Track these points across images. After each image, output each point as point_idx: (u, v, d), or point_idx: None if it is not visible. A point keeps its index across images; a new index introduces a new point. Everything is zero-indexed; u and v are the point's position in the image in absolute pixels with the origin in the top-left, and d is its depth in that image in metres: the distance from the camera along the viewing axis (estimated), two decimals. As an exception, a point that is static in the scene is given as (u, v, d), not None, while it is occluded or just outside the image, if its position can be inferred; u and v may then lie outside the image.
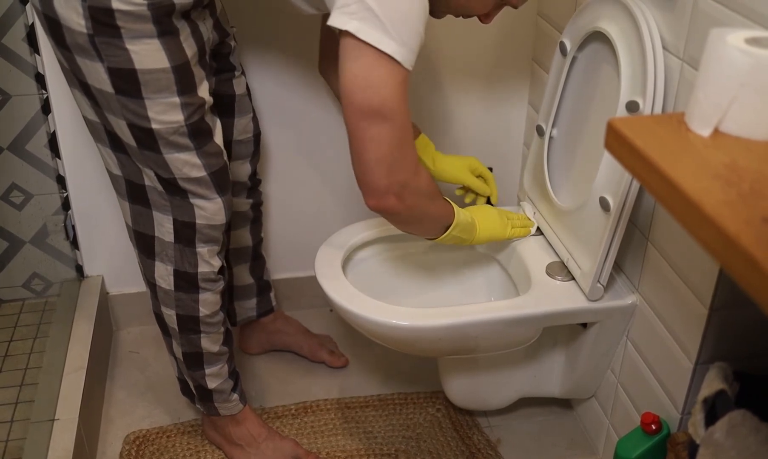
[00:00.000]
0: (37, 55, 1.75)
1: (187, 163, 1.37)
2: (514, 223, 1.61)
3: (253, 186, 1.76)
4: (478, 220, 1.51)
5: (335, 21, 1.15)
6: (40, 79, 1.77)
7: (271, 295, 1.93)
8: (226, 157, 1.44)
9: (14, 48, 1.75)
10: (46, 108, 1.80)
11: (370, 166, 1.22)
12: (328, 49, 1.60)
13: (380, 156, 1.21)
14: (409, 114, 1.22)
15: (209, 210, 1.43)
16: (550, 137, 1.61)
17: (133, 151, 1.37)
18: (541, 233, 1.65)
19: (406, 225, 1.39)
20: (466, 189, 1.70)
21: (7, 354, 1.93)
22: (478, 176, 1.68)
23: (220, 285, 1.53)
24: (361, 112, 1.17)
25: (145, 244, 1.48)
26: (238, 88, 1.61)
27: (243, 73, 1.63)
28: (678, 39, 1.26)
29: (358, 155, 1.22)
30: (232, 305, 1.87)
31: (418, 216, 1.35)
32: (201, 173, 1.39)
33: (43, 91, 1.78)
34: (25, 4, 1.71)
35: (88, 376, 1.71)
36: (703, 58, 0.84)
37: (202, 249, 1.46)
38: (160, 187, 1.40)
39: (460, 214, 1.44)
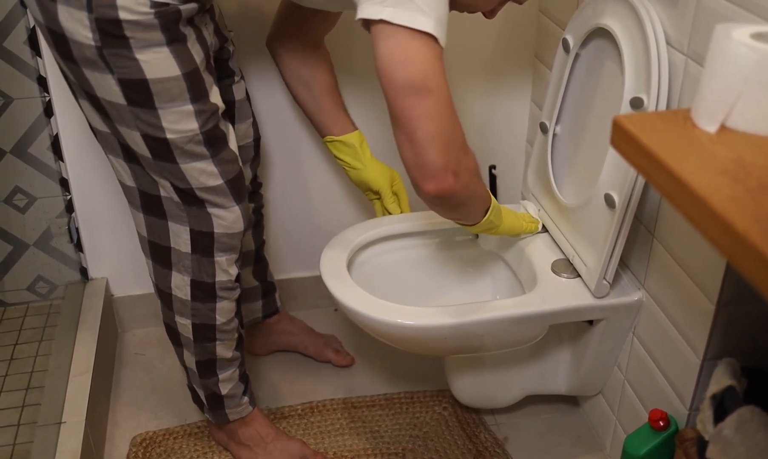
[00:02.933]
0: (38, 58, 1.74)
1: (203, 172, 1.36)
2: (524, 219, 1.61)
3: (254, 190, 1.76)
4: (502, 208, 1.50)
5: (367, 12, 1.12)
6: (42, 82, 1.77)
7: (276, 296, 1.93)
8: (240, 163, 1.43)
9: (16, 51, 1.75)
10: (48, 111, 1.80)
11: (424, 146, 1.15)
12: (284, 25, 1.59)
13: (434, 132, 1.15)
14: (449, 90, 1.18)
15: (228, 219, 1.42)
16: (554, 134, 1.61)
17: (147, 162, 1.35)
18: (546, 231, 1.64)
19: (457, 208, 1.31)
20: (378, 200, 1.71)
21: (13, 357, 1.93)
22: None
23: (237, 292, 1.52)
24: (405, 88, 1.13)
25: (160, 254, 1.46)
26: (238, 93, 1.60)
27: (242, 77, 1.62)
28: (682, 35, 1.25)
29: (410, 137, 1.15)
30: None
31: (470, 195, 1.30)
32: (218, 181, 1.38)
33: (46, 94, 1.78)
34: (26, 8, 1.71)
35: (94, 379, 1.71)
36: (708, 53, 0.84)
37: (220, 258, 1.45)
38: (176, 198, 1.39)
39: (492, 198, 1.42)
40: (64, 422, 1.58)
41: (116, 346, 2.03)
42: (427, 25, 1.11)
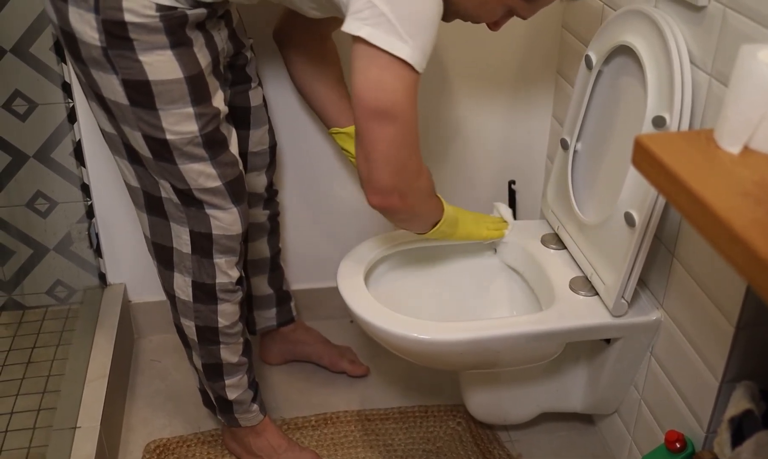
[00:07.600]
0: (63, 65, 1.76)
1: (202, 174, 1.37)
2: (488, 226, 1.65)
3: (270, 197, 1.77)
4: (459, 217, 1.55)
5: (348, 27, 1.16)
6: (67, 89, 1.78)
7: (292, 305, 1.93)
8: (241, 167, 1.45)
9: (42, 57, 1.77)
10: (72, 117, 1.81)
11: (377, 166, 1.24)
12: (290, 19, 1.60)
13: (389, 156, 1.23)
14: (417, 116, 1.24)
15: (225, 220, 1.43)
16: (575, 151, 1.60)
17: (149, 162, 1.37)
18: (561, 244, 1.64)
19: (402, 222, 1.44)
20: None
21: (30, 361, 1.94)
22: None
23: (239, 295, 1.53)
24: (371, 112, 1.19)
25: (163, 255, 1.48)
26: (254, 99, 1.61)
27: (260, 84, 1.63)
28: (706, 54, 1.24)
29: (367, 155, 1.23)
30: (251, 314, 1.88)
31: (415, 214, 1.41)
32: (216, 183, 1.39)
33: (69, 100, 1.79)
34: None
35: (109, 384, 1.71)
36: (733, 74, 0.83)
37: (219, 260, 1.46)
38: (176, 199, 1.41)
39: (448, 210, 1.48)
40: (79, 427, 1.59)
41: (132, 352, 2.04)
42: (402, 51, 1.14)
